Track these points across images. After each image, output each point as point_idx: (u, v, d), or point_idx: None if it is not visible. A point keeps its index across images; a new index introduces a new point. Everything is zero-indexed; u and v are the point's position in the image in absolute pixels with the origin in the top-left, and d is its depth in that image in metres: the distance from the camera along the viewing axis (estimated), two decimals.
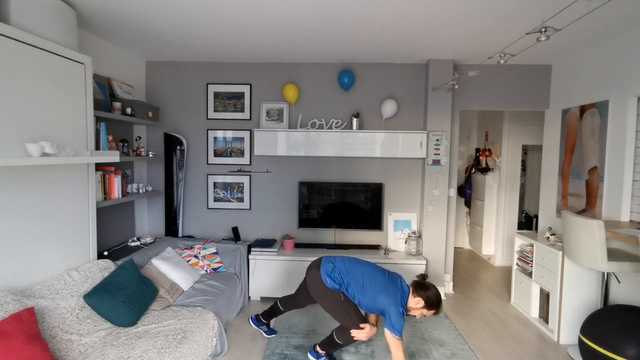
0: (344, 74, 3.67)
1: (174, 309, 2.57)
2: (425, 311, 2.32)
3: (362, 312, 2.47)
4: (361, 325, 2.33)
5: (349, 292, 2.39)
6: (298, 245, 3.82)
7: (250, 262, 3.57)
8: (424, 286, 2.35)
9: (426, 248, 3.76)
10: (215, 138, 3.93)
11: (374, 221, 3.82)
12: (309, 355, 2.53)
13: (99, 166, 2.82)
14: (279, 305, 2.83)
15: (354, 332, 2.34)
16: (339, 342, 2.42)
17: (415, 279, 2.47)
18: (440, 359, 2.62)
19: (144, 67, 3.89)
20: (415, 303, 2.32)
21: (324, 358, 2.51)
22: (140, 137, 3.63)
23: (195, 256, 3.35)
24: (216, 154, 3.94)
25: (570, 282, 2.85)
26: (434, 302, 2.31)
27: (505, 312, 3.45)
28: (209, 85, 3.89)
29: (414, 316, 2.36)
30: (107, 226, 3.29)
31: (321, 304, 2.48)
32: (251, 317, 2.93)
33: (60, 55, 2.23)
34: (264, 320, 2.89)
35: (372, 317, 2.56)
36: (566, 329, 2.88)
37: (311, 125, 3.73)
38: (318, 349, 2.51)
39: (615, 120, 2.91)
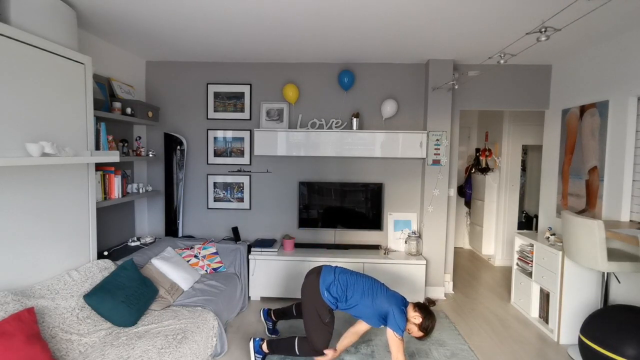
0: (344, 74, 3.67)
1: (174, 309, 2.57)
2: (415, 330, 2.26)
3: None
4: (325, 352, 2.38)
5: (347, 303, 2.37)
6: (298, 245, 3.82)
7: (250, 262, 3.57)
8: (428, 310, 2.29)
9: (426, 248, 3.76)
10: (215, 138, 3.93)
11: (374, 221, 3.81)
12: (251, 344, 2.53)
13: (99, 166, 2.82)
14: (294, 310, 2.84)
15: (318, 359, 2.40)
16: (298, 352, 2.42)
17: (424, 301, 2.41)
18: (440, 359, 2.62)
19: (144, 67, 3.89)
20: (413, 317, 2.27)
21: (261, 356, 2.52)
22: (140, 137, 3.63)
23: (195, 256, 3.35)
24: (216, 154, 3.94)
25: (570, 282, 2.85)
26: (428, 327, 2.25)
27: (505, 312, 3.45)
28: (209, 85, 3.89)
29: (408, 330, 2.28)
30: (107, 226, 3.29)
31: (305, 311, 2.43)
32: (263, 309, 2.95)
33: (60, 55, 2.24)
34: (274, 318, 2.90)
35: (340, 346, 2.53)
36: (566, 329, 2.88)
37: (311, 125, 3.73)
38: (264, 347, 2.52)
39: (615, 120, 2.91)
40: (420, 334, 2.27)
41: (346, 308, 2.39)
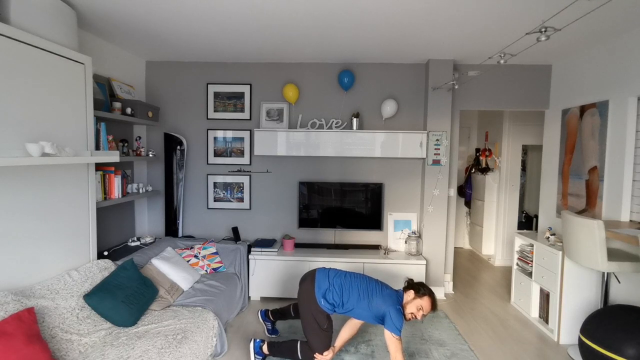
0: (344, 74, 3.67)
1: (174, 309, 2.57)
2: (418, 300, 2.30)
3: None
4: (325, 353, 2.38)
5: (344, 308, 2.37)
6: (298, 245, 3.82)
7: (250, 262, 3.57)
8: (413, 284, 2.42)
9: (426, 248, 3.76)
10: (215, 138, 3.93)
11: (374, 221, 3.81)
12: (251, 346, 2.52)
13: (99, 166, 2.82)
14: (291, 310, 2.83)
15: (318, 357, 2.39)
16: (300, 357, 2.42)
17: (405, 284, 2.48)
18: (440, 359, 2.62)
19: (144, 67, 3.89)
20: (408, 295, 2.35)
21: (261, 357, 2.51)
22: (140, 137, 3.63)
23: (195, 256, 3.35)
24: (216, 154, 3.94)
25: (570, 282, 2.85)
26: (426, 290, 2.34)
27: (505, 312, 3.45)
28: (209, 85, 3.89)
29: (410, 318, 2.32)
30: (107, 226, 3.29)
31: (302, 318, 2.43)
32: (261, 310, 2.94)
33: (60, 56, 2.24)
34: (272, 318, 2.90)
35: (338, 342, 2.56)
36: (566, 329, 2.88)
37: (311, 125, 3.73)
38: (265, 348, 2.51)
39: (615, 120, 2.91)
40: (425, 296, 2.33)
41: (344, 312, 2.39)
